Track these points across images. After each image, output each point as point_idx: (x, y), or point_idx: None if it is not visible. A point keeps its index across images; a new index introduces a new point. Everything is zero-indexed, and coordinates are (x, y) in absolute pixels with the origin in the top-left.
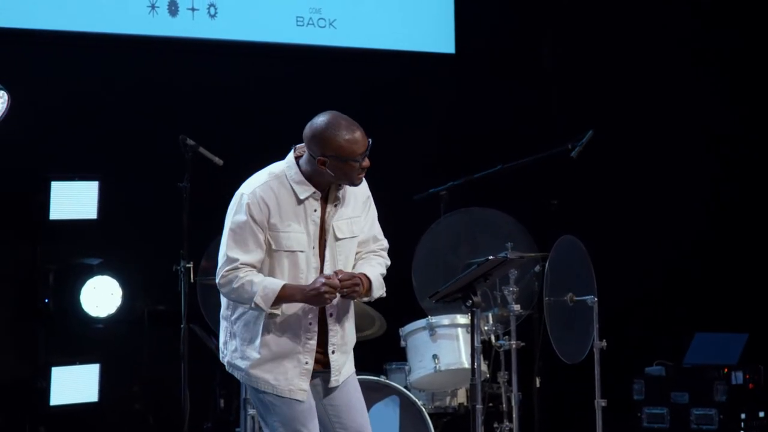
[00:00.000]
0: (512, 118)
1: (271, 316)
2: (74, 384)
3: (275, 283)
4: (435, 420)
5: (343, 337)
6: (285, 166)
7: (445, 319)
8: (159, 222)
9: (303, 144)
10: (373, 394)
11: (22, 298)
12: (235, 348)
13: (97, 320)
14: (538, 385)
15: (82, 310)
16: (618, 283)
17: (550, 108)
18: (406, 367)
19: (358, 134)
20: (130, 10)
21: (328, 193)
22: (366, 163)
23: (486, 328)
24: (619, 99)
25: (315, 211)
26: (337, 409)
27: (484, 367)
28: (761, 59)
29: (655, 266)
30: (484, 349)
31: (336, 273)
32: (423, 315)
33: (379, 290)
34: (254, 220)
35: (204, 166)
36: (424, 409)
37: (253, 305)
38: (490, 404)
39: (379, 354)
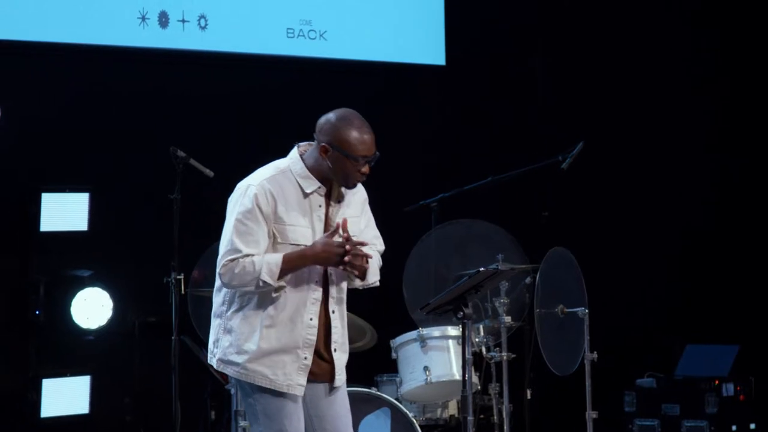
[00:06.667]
0: (503, 129)
1: (278, 290)
2: (65, 396)
3: (276, 256)
4: None
5: (343, 335)
6: (289, 162)
7: (436, 331)
8: (150, 234)
9: (306, 142)
10: (364, 406)
11: (12, 310)
12: (230, 343)
13: (87, 332)
14: (529, 396)
15: (73, 321)
16: (609, 294)
17: (541, 119)
18: (397, 379)
19: (367, 137)
20: (120, 22)
21: (330, 190)
22: (366, 169)
23: (477, 339)
24: (609, 110)
25: (320, 206)
26: (323, 421)
27: (475, 379)
28: (752, 69)
29: (646, 278)
30: (475, 361)
31: (341, 226)
32: (414, 327)
33: (374, 275)
34: (261, 210)
35: (195, 177)
36: (415, 421)
37: (261, 283)
38: (481, 416)
39: (370, 366)
